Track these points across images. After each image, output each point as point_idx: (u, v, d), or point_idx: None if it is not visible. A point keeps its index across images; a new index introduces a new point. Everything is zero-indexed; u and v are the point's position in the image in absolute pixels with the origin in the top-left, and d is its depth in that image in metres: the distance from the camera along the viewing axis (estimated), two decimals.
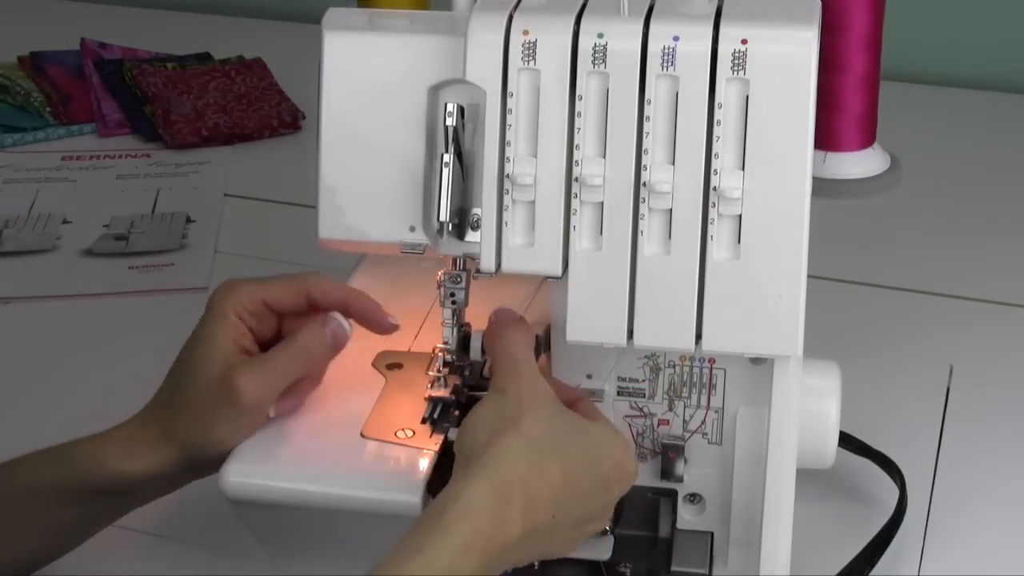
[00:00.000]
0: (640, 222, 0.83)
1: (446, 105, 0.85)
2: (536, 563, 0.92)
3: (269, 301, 0.92)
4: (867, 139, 1.52)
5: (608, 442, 0.84)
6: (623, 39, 0.82)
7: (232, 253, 1.42)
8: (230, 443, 0.89)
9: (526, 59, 0.83)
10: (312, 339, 0.90)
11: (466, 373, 0.94)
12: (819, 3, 0.84)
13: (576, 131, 0.83)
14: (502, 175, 0.84)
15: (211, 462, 0.90)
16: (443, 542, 0.76)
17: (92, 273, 1.40)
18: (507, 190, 0.84)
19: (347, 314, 0.93)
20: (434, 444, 0.89)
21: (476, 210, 0.87)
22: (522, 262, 0.85)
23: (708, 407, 0.90)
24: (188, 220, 1.48)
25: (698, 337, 0.84)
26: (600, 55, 0.82)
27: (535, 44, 0.83)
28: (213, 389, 0.89)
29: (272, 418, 0.91)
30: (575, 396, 0.88)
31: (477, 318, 0.92)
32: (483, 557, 0.77)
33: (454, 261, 0.90)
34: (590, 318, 0.84)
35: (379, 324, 0.93)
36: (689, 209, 0.82)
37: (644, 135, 0.82)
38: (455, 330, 0.91)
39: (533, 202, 0.84)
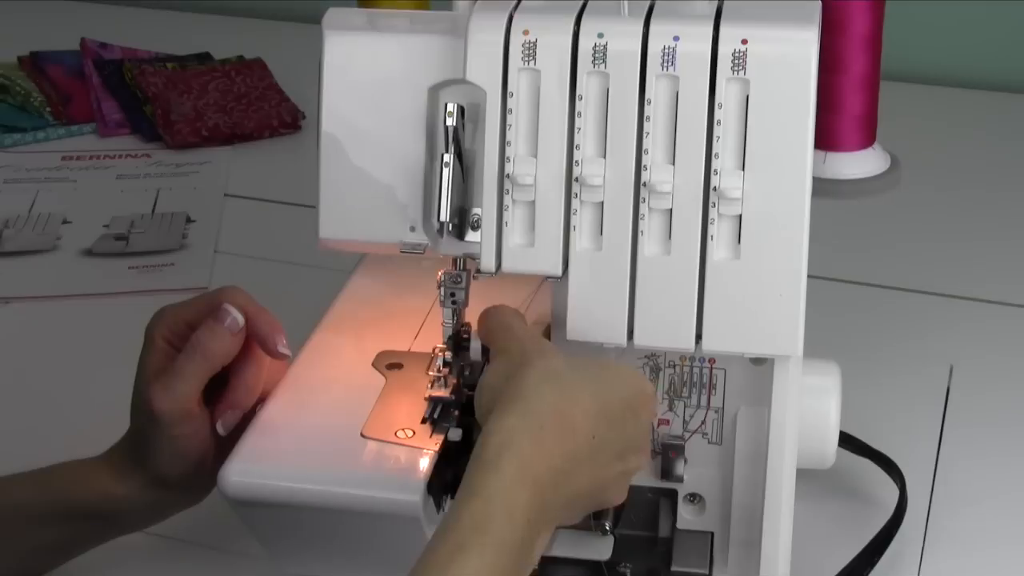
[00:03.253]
0: (640, 222, 0.83)
1: (446, 105, 0.85)
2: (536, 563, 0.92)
3: (191, 322, 0.92)
4: (867, 139, 1.52)
5: (622, 370, 0.84)
6: (623, 39, 0.82)
7: (232, 253, 1.42)
8: (175, 463, 0.91)
9: (526, 59, 0.83)
10: (206, 336, 0.90)
11: (466, 373, 0.94)
12: (819, 3, 0.84)
13: (576, 131, 0.83)
14: (502, 175, 0.84)
15: (186, 487, 0.92)
16: (494, 478, 0.75)
17: (92, 273, 1.40)
18: (507, 190, 0.84)
19: (250, 330, 0.93)
20: (434, 444, 0.89)
21: (476, 210, 0.87)
22: (522, 262, 0.85)
23: (708, 407, 0.90)
24: (188, 220, 1.48)
25: (698, 337, 0.84)
26: (600, 55, 0.82)
27: (535, 44, 0.83)
28: (141, 417, 0.91)
29: (223, 435, 0.91)
30: None
31: (477, 318, 0.92)
32: (535, 485, 0.76)
33: (454, 261, 0.90)
34: (590, 318, 0.84)
35: (269, 348, 0.93)
36: (689, 209, 0.82)
37: (644, 135, 0.82)
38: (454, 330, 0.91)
39: (533, 202, 0.84)
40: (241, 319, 0.91)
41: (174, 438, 0.90)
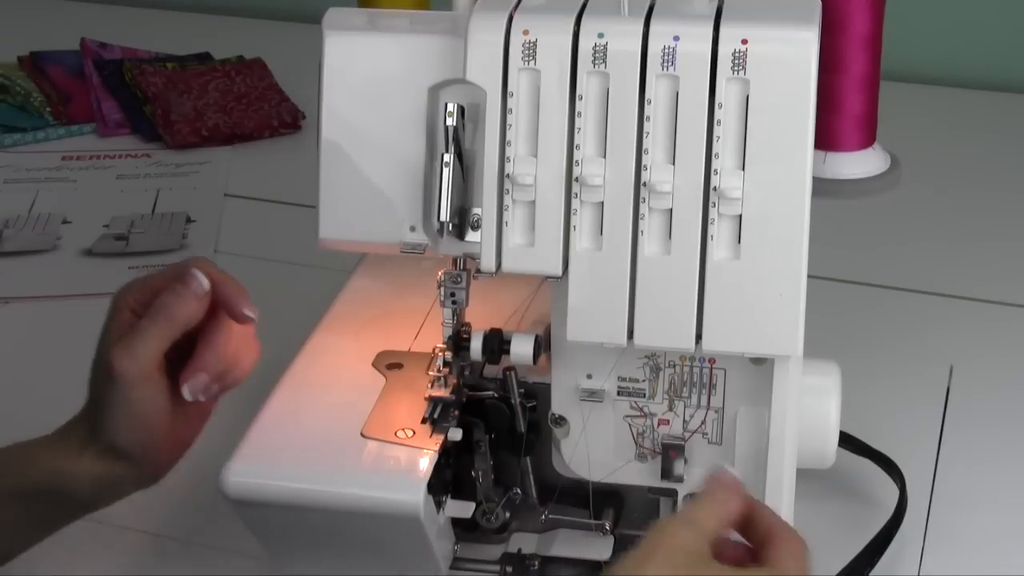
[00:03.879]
0: (640, 222, 0.83)
1: (446, 105, 0.85)
2: (536, 563, 0.92)
3: (158, 289, 0.91)
4: (867, 139, 1.52)
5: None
6: (623, 39, 0.82)
7: (232, 253, 1.42)
8: (130, 430, 0.88)
9: (526, 59, 0.83)
10: (170, 298, 0.89)
11: (466, 373, 0.94)
12: (819, 3, 0.84)
13: (576, 131, 0.83)
14: (502, 175, 0.84)
15: (139, 459, 0.90)
16: None
17: (92, 273, 1.40)
18: (507, 190, 0.84)
19: (216, 295, 0.92)
20: (434, 444, 0.89)
21: (476, 210, 0.87)
22: (522, 262, 0.85)
23: (708, 407, 0.90)
24: (188, 220, 1.48)
25: (698, 337, 0.84)
26: (600, 55, 0.82)
27: (535, 44, 0.83)
28: (98, 375, 0.89)
29: (191, 401, 0.90)
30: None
31: (477, 318, 0.92)
32: None
33: (454, 261, 0.90)
34: (590, 318, 0.84)
35: (235, 313, 0.91)
36: (689, 209, 0.82)
37: (644, 135, 0.82)
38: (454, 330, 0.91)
39: (533, 202, 0.84)
40: (207, 283, 0.90)
41: (130, 401, 0.88)
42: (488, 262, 0.85)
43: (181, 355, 0.91)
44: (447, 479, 0.91)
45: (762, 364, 0.87)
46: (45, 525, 0.93)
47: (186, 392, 0.90)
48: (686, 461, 0.91)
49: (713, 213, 0.82)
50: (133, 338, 0.88)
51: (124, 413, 0.88)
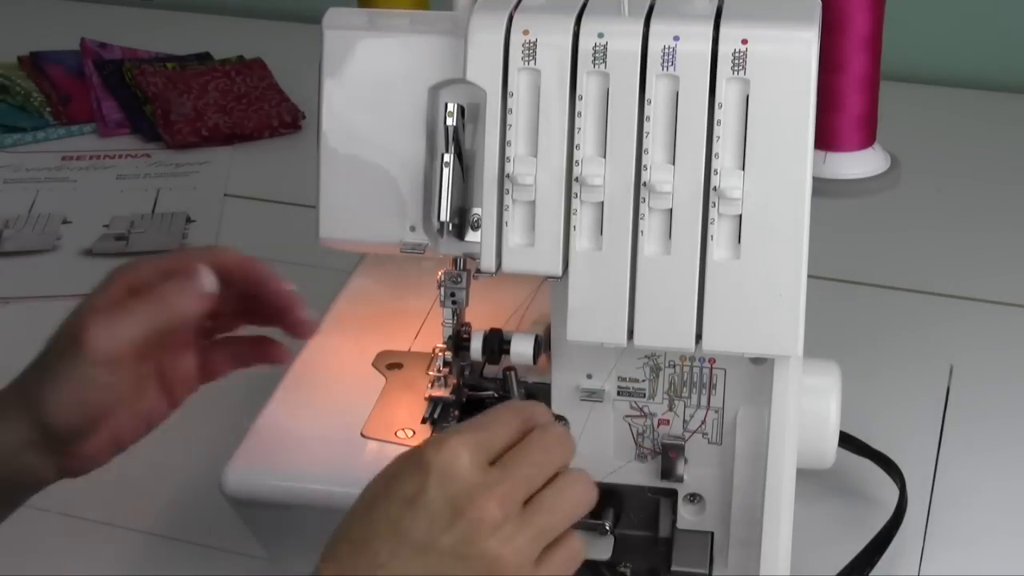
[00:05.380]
0: (640, 222, 0.83)
1: (446, 105, 0.85)
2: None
3: (167, 270, 0.85)
4: (867, 139, 1.52)
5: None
6: (623, 39, 0.82)
7: None
8: (76, 406, 0.82)
9: (526, 59, 0.83)
10: (171, 288, 0.83)
11: (466, 373, 0.94)
12: (819, 3, 0.84)
13: (576, 131, 0.83)
14: (502, 175, 0.84)
15: (62, 438, 0.83)
16: None
17: (92, 273, 1.39)
18: (507, 190, 0.84)
19: (257, 298, 0.87)
20: None
21: (476, 210, 0.87)
22: (522, 262, 0.85)
23: (708, 407, 0.90)
24: (188, 220, 1.48)
25: (698, 337, 0.84)
26: (600, 55, 0.82)
27: (535, 44, 0.83)
28: (63, 338, 0.83)
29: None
30: None
31: (477, 318, 0.92)
32: None
33: (454, 261, 0.90)
34: (590, 318, 0.84)
35: (288, 320, 0.87)
36: (689, 209, 0.82)
37: (644, 135, 0.82)
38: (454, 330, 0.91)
39: (533, 202, 0.84)
40: (215, 284, 0.84)
41: (85, 379, 0.81)
42: (488, 262, 0.85)
43: (167, 355, 0.86)
44: None
45: (762, 364, 0.87)
46: None
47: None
48: (686, 461, 0.91)
49: (713, 213, 0.82)
50: (117, 314, 0.82)
51: (74, 388, 0.82)
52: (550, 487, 0.76)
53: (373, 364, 0.97)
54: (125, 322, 0.82)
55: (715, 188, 0.82)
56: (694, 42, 0.81)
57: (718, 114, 0.81)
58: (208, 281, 0.85)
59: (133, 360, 0.83)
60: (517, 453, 0.76)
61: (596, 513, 0.93)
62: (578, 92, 0.83)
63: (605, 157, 0.83)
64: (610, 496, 0.94)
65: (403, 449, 0.78)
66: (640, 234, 0.83)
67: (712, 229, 0.82)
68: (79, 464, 0.85)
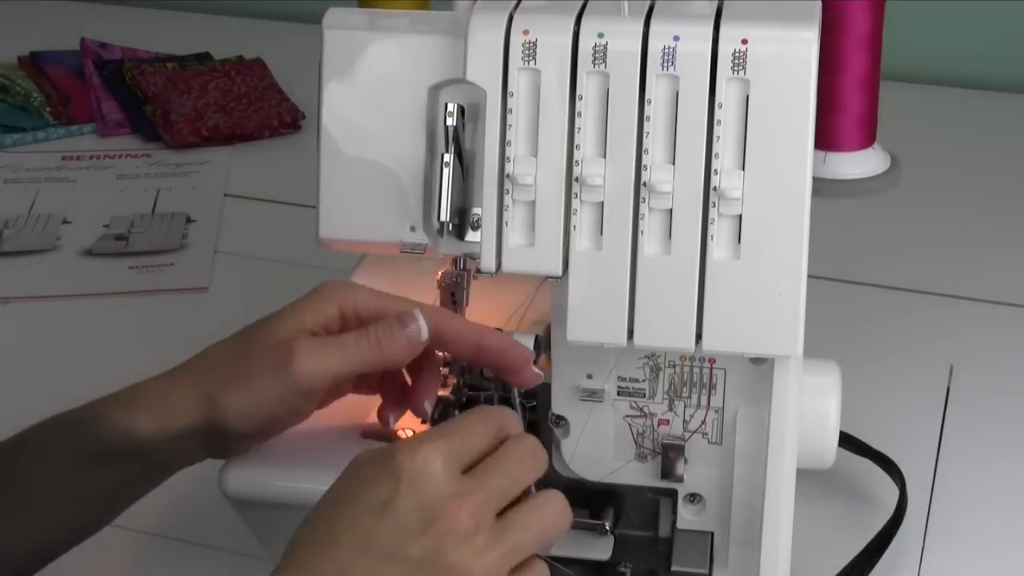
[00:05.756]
0: (640, 222, 0.83)
1: (446, 105, 0.85)
2: None
3: (377, 311, 0.86)
4: (867, 139, 1.52)
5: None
6: (623, 39, 0.82)
7: (232, 253, 1.42)
8: (259, 418, 0.84)
9: (526, 59, 0.83)
10: (386, 331, 0.84)
11: (466, 373, 0.94)
12: (819, 3, 0.84)
13: (576, 131, 0.83)
14: (502, 175, 0.84)
15: (228, 437, 0.85)
16: None
17: (92, 273, 1.40)
18: (507, 190, 0.84)
19: (479, 358, 0.87)
20: None
21: (476, 210, 0.87)
22: (522, 262, 0.85)
23: (708, 407, 0.90)
24: (188, 220, 1.48)
25: (698, 337, 0.84)
26: (600, 55, 0.82)
27: (535, 44, 0.83)
28: (269, 352, 0.83)
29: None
30: None
31: (477, 318, 0.92)
32: None
33: (454, 261, 0.90)
34: (590, 318, 0.84)
35: (518, 372, 0.85)
36: (689, 209, 0.82)
37: (644, 135, 0.82)
38: None
39: (533, 202, 0.84)
40: (425, 333, 0.84)
41: (281, 400, 0.83)
42: (488, 262, 0.85)
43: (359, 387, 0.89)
44: None
45: (762, 364, 0.87)
46: (135, 490, 0.88)
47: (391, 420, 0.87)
48: (686, 461, 0.91)
49: (713, 213, 0.82)
50: (329, 348, 0.83)
51: (266, 405, 0.83)
52: (526, 504, 0.74)
53: None
54: (336, 359, 0.83)
55: (715, 188, 0.82)
56: (694, 42, 0.81)
57: (718, 114, 0.81)
58: (422, 330, 0.85)
59: (329, 390, 0.86)
60: (491, 463, 0.74)
61: (596, 513, 0.93)
62: (578, 92, 0.83)
63: (605, 157, 0.83)
64: (610, 496, 0.94)
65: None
66: (640, 234, 0.83)
67: (712, 229, 0.82)
68: (228, 452, 0.87)
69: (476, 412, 0.77)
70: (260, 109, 1.69)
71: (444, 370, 0.93)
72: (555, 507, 0.75)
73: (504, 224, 0.84)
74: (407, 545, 0.71)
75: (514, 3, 0.85)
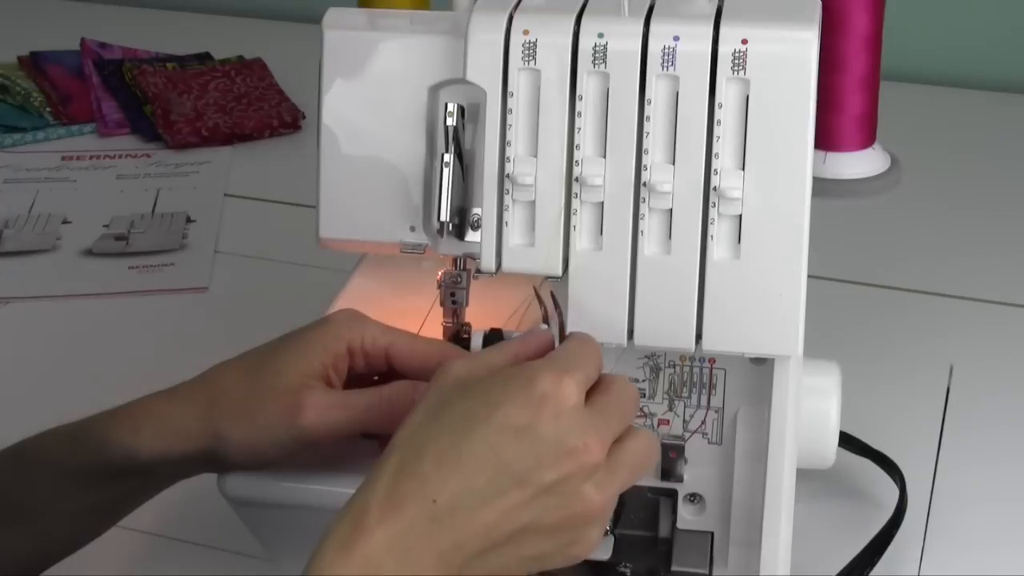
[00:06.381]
0: (640, 222, 0.83)
1: (446, 105, 0.85)
2: None
3: (393, 354, 0.87)
4: (867, 139, 1.52)
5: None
6: (623, 39, 0.82)
7: (232, 253, 1.42)
8: (259, 456, 0.85)
9: (526, 59, 0.83)
10: (399, 396, 0.84)
11: None
12: (819, 3, 0.84)
13: (576, 131, 0.83)
14: (502, 175, 0.84)
15: (226, 461, 0.86)
16: None
17: (92, 273, 1.40)
18: (507, 190, 0.84)
19: None
20: None
21: (476, 210, 0.87)
22: (522, 262, 0.85)
23: (708, 407, 0.90)
24: (188, 220, 1.48)
25: (698, 337, 0.84)
26: (600, 55, 0.82)
27: (535, 44, 0.83)
28: (278, 397, 0.84)
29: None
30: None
31: (477, 318, 0.92)
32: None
33: (454, 261, 0.90)
34: (590, 318, 0.84)
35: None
36: (689, 209, 0.82)
37: (644, 135, 0.82)
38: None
39: (533, 202, 0.84)
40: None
41: (287, 446, 0.84)
42: (488, 262, 0.85)
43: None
44: None
45: (762, 364, 0.87)
46: (129, 504, 0.90)
47: None
48: (686, 461, 0.91)
49: (713, 213, 0.82)
50: (341, 406, 0.84)
51: (272, 448, 0.84)
52: (630, 441, 0.76)
53: None
54: (344, 420, 0.84)
55: (715, 188, 0.82)
56: (694, 42, 0.81)
57: (718, 114, 0.81)
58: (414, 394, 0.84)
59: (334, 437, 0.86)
60: (612, 400, 0.76)
61: None
62: (578, 92, 0.83)
63: (605, 157, 0.83)
64: None
65: None
66: (640, 234, 0.83)
67: (712, 229, 0.82)
68: (226, 469, 0.88)
69: (593, 344, 0.79)
70: (260, 109, 1.69)
71: None
72: (653, 444, 0.79)
73: (504, 224, 0.84)
74: (542, 471, 0.72)
75: (514, 3, 0.85)
